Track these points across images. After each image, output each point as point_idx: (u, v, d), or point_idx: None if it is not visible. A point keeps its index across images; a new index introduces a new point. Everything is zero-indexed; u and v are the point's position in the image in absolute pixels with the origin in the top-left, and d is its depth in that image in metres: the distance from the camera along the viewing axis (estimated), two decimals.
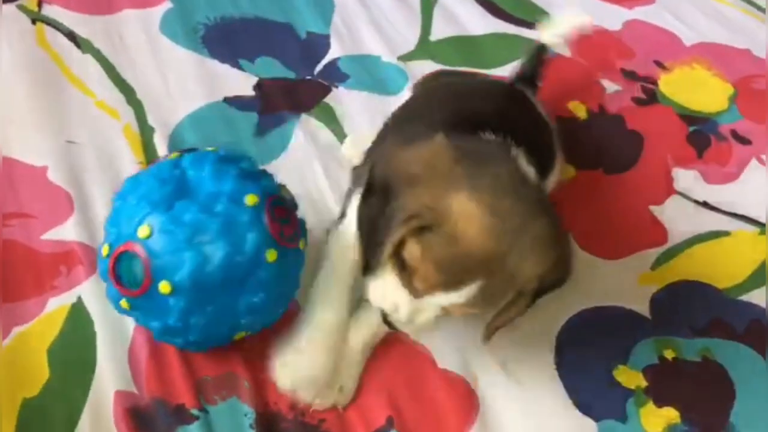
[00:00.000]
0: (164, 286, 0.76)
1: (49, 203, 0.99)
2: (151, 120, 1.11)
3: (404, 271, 0.75)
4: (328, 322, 0.84)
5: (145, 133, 1.09)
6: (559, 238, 0.76)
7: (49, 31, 1.23)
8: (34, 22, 1.24)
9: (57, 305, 0.89)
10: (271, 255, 0.78)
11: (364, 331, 0.86)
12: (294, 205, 0.86)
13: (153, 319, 0.79)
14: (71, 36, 1.22)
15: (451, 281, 0.72)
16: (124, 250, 0.77)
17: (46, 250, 0.94)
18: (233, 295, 0.78)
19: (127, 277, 0.77)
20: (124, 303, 0.79)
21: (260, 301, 0.79)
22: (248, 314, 0.79)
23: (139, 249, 0.76)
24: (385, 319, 0.80)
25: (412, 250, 0.73)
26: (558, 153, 1.01)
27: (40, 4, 1.27)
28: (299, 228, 0.85)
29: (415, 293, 0.75)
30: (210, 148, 0.85)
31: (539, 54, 1.13)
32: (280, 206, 0.82)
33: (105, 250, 0.79)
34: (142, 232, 0.77)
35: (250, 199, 0.79)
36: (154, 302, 0.77)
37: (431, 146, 0.76)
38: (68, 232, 0.96)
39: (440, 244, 0.71)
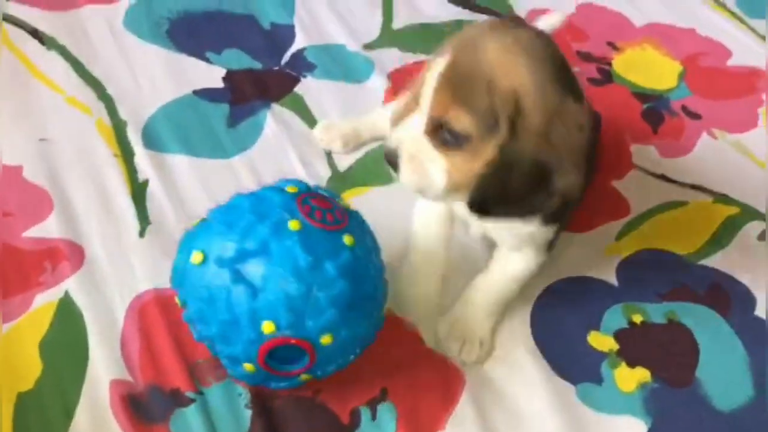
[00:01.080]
0: (306, 377, 0.80)
1: (28, 201, 0.99)
2: (122, 113, 1.12)
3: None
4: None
5: (118, 126, 1.10)
6: (551, 74, 0.77)
7: (12, 29, 1.22)
8: None
9: (44, 301, 0.90)
10: (293, 224, 0.77)
11: (491, 286, 0.92)
12: (340, 208, 0.84)
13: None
14: (35, 33, 1.22)
15: (430, 62, 0.78)
16: (295, 344, 0.76)
17: (29, 248, 0.94)
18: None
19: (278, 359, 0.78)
20: (249, 366, 0.78)
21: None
22: None
23: (311, 351, 0.76)
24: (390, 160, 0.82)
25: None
26: None
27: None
28: (341, 222, 0.82)
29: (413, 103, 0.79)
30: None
31: None
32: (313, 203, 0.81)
33: (269, 327, 0.75)
34: (324, 339, 0.76)
35: (291, 189, 0.81)
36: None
37: None
38: (50, 228, 0.96)
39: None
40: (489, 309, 0.92)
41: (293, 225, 0.75)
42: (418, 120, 0.80)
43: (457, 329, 0.90)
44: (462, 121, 0.77)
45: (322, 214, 0.78)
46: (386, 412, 0.84)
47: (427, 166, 0.80)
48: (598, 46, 1.36)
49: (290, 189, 0.80)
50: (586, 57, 1.34)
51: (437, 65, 0.78)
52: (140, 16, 1.29)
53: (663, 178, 1.16)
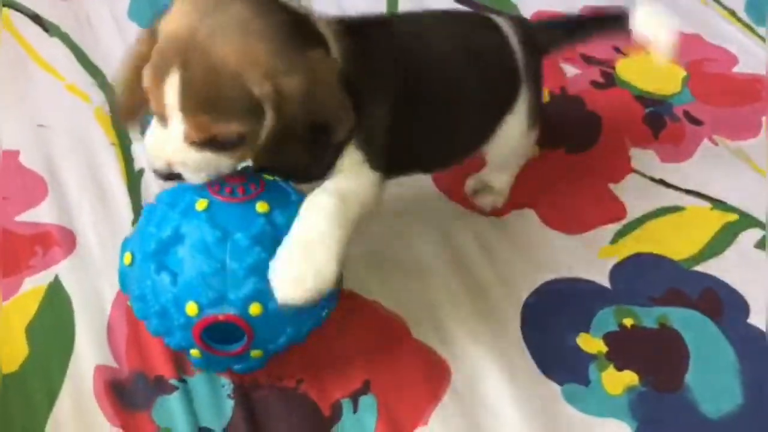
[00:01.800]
0: (256, 353, 0.79)
1: (23, 186, 1.00)
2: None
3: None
4: None
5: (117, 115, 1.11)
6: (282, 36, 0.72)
7: (14, 14, 1.23)
8: None
9: (33, 285, 0.90)
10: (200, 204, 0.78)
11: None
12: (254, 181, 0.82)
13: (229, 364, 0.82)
14: (37, 19, 1.22)
15: (158, 76, 0.71)
16: (224, 320, 0.76)
17: (21, 231, 0.95)
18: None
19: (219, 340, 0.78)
20: (195, 352, 0.80)
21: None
22: None
23: (243, 324, 0.76)
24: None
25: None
26: (524, 88, 0.97)
27: None
28: (251, 191, 0.81)
29: (160, 118, 0.74)
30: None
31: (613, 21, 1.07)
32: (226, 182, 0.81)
33: (192, 309, 0.75)
34: (253, 309, 0.75)
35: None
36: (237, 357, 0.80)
37: None
38: (43, 214, 0.97)
39: (147, 50, 0.73)
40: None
41: (200, 205, 0.76)
42: (173, 132, 0.74)
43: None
44: (231, 130, 0.73)
45: (232, 188, 0.78)
46: (368, 405, 0.84)
47: (207, 164, 0.77)
48: (603, 49, 1.36)
49: None
50: (590, 60, 1.33)
51: (171, 81, 0.71)
52: (144, 5, 1.29)
53: (661, 182, 1.15)
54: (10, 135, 1.05)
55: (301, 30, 0.75)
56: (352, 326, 0.90)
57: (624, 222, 1.09)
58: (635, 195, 1.13)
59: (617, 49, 1.35)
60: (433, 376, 0.88)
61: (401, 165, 0.89)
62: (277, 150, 0.76)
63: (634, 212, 1.10)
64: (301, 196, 0.82)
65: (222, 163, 0.77)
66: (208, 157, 0.76)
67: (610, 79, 1.31)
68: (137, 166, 1.05)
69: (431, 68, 0.88)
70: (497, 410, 0.86)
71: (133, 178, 1.03)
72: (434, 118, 0.89)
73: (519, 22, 1.02)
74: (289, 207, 0.79)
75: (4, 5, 1.23)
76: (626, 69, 1.33)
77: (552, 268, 1.01)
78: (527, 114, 0.98)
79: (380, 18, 0.94)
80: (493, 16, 1.00)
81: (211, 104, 0.71)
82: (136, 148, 1.07)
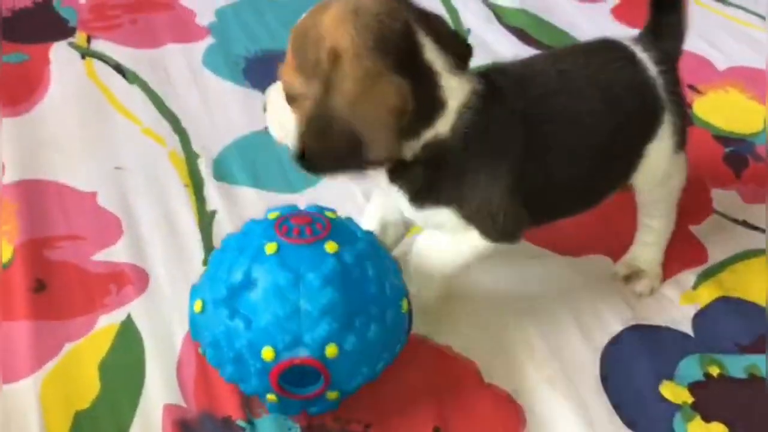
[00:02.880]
0: (332, 394, 0.78)
1: (99, 227, 1.02)
2: (195, 146, 1.15)
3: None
4: None
5: (190, 158, 1.13)
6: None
7: (97, 64, 1.28)
8: (83, 57, 1.29)
9: (107, 322, 0.91)
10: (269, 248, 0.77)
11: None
12: (322, 221, 0.82)
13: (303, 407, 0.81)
14: (118, 68, 1.27)
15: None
16: (300, 364, 0.75)
17: (97, 271, 0.97)
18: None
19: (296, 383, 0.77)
20: (271, 397, 0.79)
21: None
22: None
23: (320, 366, 0.75)
24: None
25: None
26: (666, 111, 0.92)
27: (89, 40, 1.32)
28: (319, 233, 0.80)
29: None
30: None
31: None
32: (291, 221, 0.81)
33: (268, 354, 0.74)
34: (330, 351, 0.74)
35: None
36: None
37: None
38: (118, 253, 0.99)
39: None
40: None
41: (270, 248, 0.76)
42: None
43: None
44: (290, 80, 0.79)
45: (300, 230, 0.77)
46: None
47: (281, 117, 0.82)
48: None
49: (271, 215, 0.81)
50: None
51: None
52: (219, 54, 1.33)
53: (744, 224, 1.09)
54: (89, 177, 1.08)
55: (406, 61, 0.76)
56: (422, 370, 0.88)
57: (706, 266, 1.04)
58: (717, 238, 1.08)
59: (692, 87, 1.32)
60: (506, 424, 0.84)
61: (541, 215, 0.89)
62: (316, 131, 0.78)
63: (716, 255, 1.05)
64: (368, 234, 0.81)
65: (289, 121, 0.81)
66: (285, 107, 0.81)
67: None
68: (209, 207, 1.06)
69: (564, 119, 0.86)
70: None
71: (205, 219, 1.05)
72: (570, 168, 0.87)
73: (648, 38, 0.94)
74: (356, 245, 0.78)
75: (88, 56, 1.29)
76: (703, 108, 1.29)
77: (632, 313, 0.97)
78: (672, 136, 0.93)
79: (512, 70, 0.88)
80: (623, 40, 0.94)
81: (294, 51, 0.79)
82: (208, 191, 1.08)
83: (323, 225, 0.79)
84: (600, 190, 0.94)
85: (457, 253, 0.88)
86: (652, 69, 0.91)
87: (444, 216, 0.83)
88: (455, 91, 0.79)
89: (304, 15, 0.80)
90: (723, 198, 1.14)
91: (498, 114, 0.81)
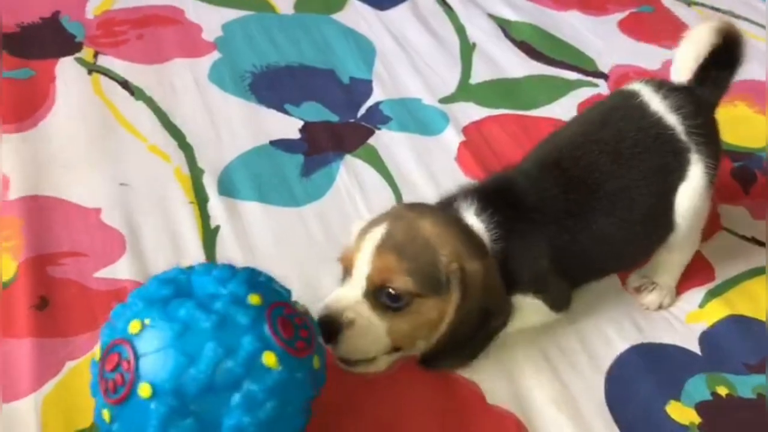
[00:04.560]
0: (144, 389, 0.68)
1: (103, 243, 1.02)
2: (200, 163, 1.15)
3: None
4: None
5: (195, 174, 1.13)
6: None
7: (104, 80, 1.28)
8: (90, 72, 1.29)
9: None
10: (269, 359, 0.69)
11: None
12: (308, 319, 0.77)
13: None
14: (125, 84, 1.27)
15: (361, 234, 0.85)
16: (113, 345, 0.71)
17: (99, 288, 0.96)
18: (218, 405, 0.68)
19: (113, 382, 0.70)
20: (105, 414, 0.71)
21: (251, 422, 0.69)
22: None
23: (127, 347, 0.69)
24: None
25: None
26: (693, 152, 0.95)
27: (95, 56, 1.33)
28: (312, 341, 0.75)
29: (347, 272, 0.85)
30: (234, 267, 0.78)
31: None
32: (286, 317, 0.73)
33: (97, 354, 0.73)
34: (133, 327, 0.70)
35: (253, 299, 0.72)
36: (133, 411, 0.69)
37: None
38: (121, 270, 0.98)
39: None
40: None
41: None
42: (353, 287, 0.84)
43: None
44: (404, 282, 0.82)
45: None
46: None
47: (369, 331, 0.83)
48: None
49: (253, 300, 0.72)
50: None
51: (371, 237, 0.84)
52: (225, 69, 1.33)
53: (753, 240, 1.08)
54: (94, 193, 1.08)
55: (478, 243, 0.87)
56: (426, 391, 0.87)
57: (714, 284, 1.03)
58: (725, 255, 1.07)
59: None
60: None
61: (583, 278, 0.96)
62: (452, 333, 0.83)
63: (724, 273, 1.04)
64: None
65: (381, 335, 0.83)
66: (374, 319, 0.83)
67: None
68: (213, 223, 1.06)
69: (589, 206, 0.92)
70: None
71: (208, 235, 1.04)
72: (605, 239, 0.92)
73: (667, 86, 0.99)
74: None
75: (94, 71, 1.29)
76: None
77: (637, 333, 0.96)
78: (702, 176, 0.95)
79: (529, 182, 0.93)
80: (637, 88, 0.98)
81: (399, 251, 0.83)
82: (213, 207, 1.08)
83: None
84: (645, 250, 0.99)
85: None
86: (672, 119, 0.95)
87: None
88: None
89: (380, 222, 0.86)
90: (731, 214, 1.13)
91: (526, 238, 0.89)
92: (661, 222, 0.95)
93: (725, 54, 1.01)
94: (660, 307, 0.99)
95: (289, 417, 0.72)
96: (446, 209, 0.90)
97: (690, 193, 0.95)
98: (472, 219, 0.88)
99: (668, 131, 0.95)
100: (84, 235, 1.03)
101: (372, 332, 0.83)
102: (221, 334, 0.69)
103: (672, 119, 0.95)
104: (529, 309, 0.91)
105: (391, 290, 0.82)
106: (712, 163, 0.95)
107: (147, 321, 0.70)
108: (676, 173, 0.94)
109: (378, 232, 0.84)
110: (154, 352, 0.69)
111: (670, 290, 1.00)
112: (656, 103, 0.96)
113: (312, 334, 0.75)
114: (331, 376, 0.79)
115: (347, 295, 0.84)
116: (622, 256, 0.98)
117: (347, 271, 0.86)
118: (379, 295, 0.83)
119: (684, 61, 1.02)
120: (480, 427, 0.85)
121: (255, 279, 0.76)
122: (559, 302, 0.93)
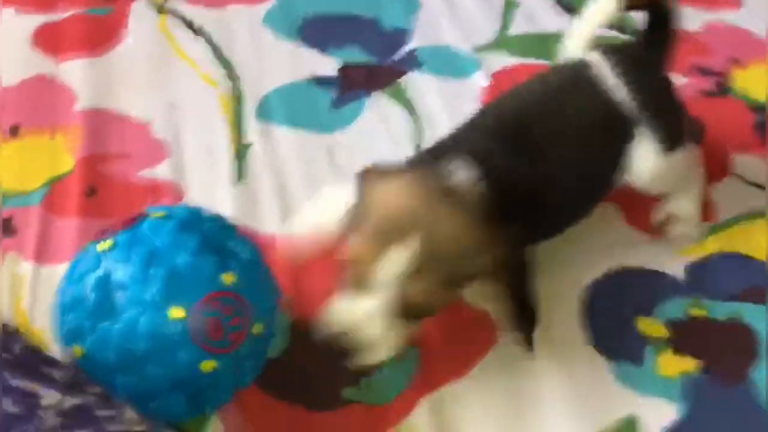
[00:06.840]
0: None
1: (147, 150, 1.16)
2: (244, 90, 1.27)
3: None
4: None
5: (237, 99, 1.25)
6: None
7: (170, 18, 1.42)
8: (159, 11, 1.44)
9: None
10: (206, 366, 0.74)
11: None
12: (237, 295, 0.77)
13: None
14: (188, 23, 1.41)
15: (377, 246, 0.76)
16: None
17: (140, 184, 1.10)
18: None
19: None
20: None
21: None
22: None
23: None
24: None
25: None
26: (640, 116, 0.94)
27: None
28: (245, 324, 0.77)
29: (359, 285, 0.78)
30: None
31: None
32: (213, 314, 0.75)
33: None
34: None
35: (176, 312, 0.74)
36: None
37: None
38: (161, 172, 1.12)
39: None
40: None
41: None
42: (369, 298, 0.77)
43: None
44: (439, 298, 0.79)
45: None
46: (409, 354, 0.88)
47: (386, 341, 0.79)
48: (721, 61, 1.33)
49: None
50: (705, 71, 1.31)
51: (399, 254, 0.76)
52: (278, 15, 1.44)
53: (758, 186, 1.10)
54: (147, 109, 1.22)
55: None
56: None
57: (713, 224, 1.06)
58: (730, 198, 1.09)
59: (736, 61, 1.32)
60: (479, 334, 0.90)
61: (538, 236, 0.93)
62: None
63: (723, 214, 1.06)
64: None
65: (395, 339, 0.80)
66: (391, 328, 0.78)
67: (723, 90, 1.27)
68: (246, 140, 1.18)
69: (540, 160, 0.90)
70: (537, 375, 0.87)
71: (241, 149, 1.16)
72: (557, 198, 0.90)
73: (620, 51, 0.98)
74: None
75: (163, 12, 1.44)
76: (744, 81, 1.29)
77: (625, 259, 1.00)
78: (655, 139, 0.94)
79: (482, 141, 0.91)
80: (588, 58, 0.98)
81: (448, 267, 0.76)
82: (248, 128, 1.20)
83: None
84: (585, 205, 0.97)
85: None
86: (616, 84, 0.94)
87: None
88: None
89: (407, 235, 0.76)
90: (745, 162, 1.15)
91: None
92: (604, 180, 0.96)
93: (653, 16, 1.01)
94: (689, 237, 1.01)
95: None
96: (438, 178, 0.83)
97: (642, 159, 0.94)
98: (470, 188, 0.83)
99: (609, 95, 0.94)
100: (133, 142, 1.17)
101: (389, 341, 0.80)
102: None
103: (616, 84, 0.94)
104: None
105: (423, 306, 0.78)
106: (665, 129, 0.94)
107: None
108: (614, 135, 0.94)
109: (407, 246, 0.76)
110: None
111: (691, 219, 1.02)
112: (603, 69, 0.95)
113: (244, 311, 0.76)
114: None
115: (360, 306, 0.78)
116: (567, 213, 0.95)
117: (358, 281, 0.78)
118: (405, 311, 0.78)
119: (579, 36, 1.04)
120: (452, 321, 0.92)
121: (177, 273, 0.76)
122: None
